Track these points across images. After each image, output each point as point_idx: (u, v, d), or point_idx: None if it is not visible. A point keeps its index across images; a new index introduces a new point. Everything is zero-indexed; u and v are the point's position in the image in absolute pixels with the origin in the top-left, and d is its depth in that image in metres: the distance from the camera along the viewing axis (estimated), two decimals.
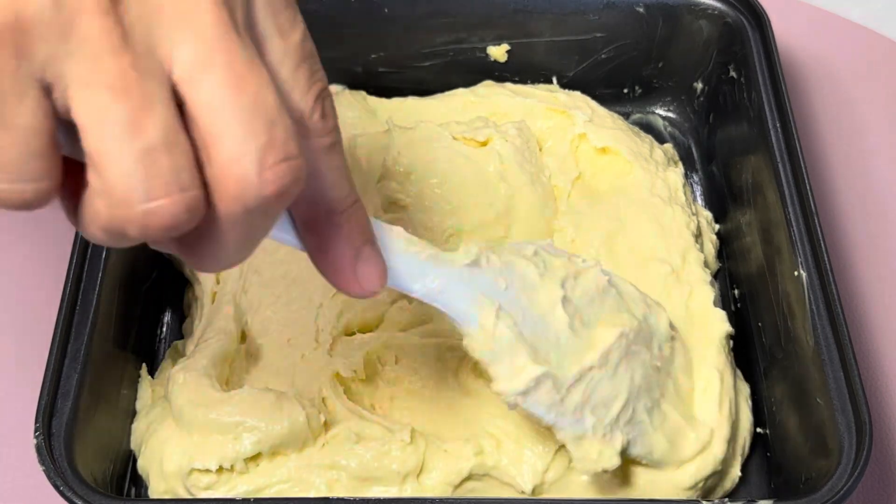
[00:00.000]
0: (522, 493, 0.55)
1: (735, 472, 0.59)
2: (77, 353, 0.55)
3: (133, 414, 0.61)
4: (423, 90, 0.77)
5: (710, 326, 0.62)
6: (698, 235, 0.68)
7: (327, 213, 0.41)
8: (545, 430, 0.55)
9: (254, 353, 0.62)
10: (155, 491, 0.57)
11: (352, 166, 0.68)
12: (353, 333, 0.63)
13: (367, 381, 0.60)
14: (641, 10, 0.74)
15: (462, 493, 0.56)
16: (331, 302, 0.63)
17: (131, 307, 0.63)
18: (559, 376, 0.51)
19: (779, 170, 0.63)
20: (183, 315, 0.66)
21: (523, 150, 0.70)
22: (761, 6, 0.71)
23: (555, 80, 0.78)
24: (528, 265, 0.52)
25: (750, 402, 0.62)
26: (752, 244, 0.66)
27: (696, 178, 0.76)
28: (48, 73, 0.33)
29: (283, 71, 0.38)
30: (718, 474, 0.58)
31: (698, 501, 0.56)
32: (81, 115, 0.33)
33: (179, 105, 0.34)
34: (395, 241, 0.46)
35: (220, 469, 0.55)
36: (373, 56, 0.76)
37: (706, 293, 0.63)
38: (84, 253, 0.59)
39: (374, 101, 0.76)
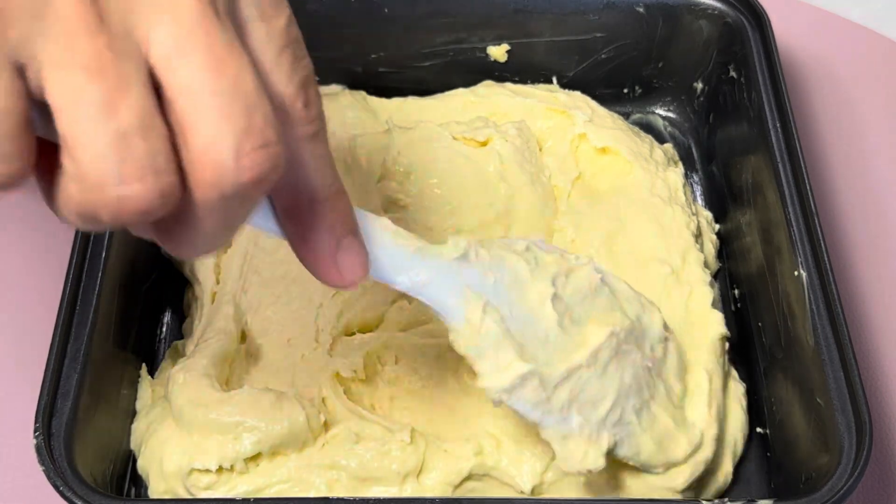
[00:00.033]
0: (522, 493, 0.55)
1: (727, 469, 0.59)
2: (77, 353, 0.55)
3: (133, 414, 0.61)
4: (423, 90, 0.77)
5: (706, 327, 0.62)
6: (698, 235, 0.68)
7: (309, 201, 0.41)
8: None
9: (254, 353, 0.62)
10: (155, 491, 0.57)
11: (352, 166, 0.69)
12: (353, 333, 0.63)
13: (367, 381, 0.60)
14: (641, 10, 0.74)
15: (462, 493, 0.56)
16: (331, 302, 0.63)
17: (131, 307, 0.63)
18: (546, 374, 0.50)
19: (779, 170, 0.63)
20: (183, 315, 0.66)
21: (523, 150, 0.70)
22: (761, 6, 0.71)
23: (555, 80, 0.78)
24: (519, 261, 0.51)
25: (744, 402, 0.62)
26: (752, 244, 0.66)
27: (696, 178, 0.76)
28: (22, 53, 0.32)
29: (265, 56, 0.37)
30: (709, 471, 0.58)
31: (698, 501, 0.56)
32: (55, 96, 0.32)
33: (157, 88, 0.34)
34: (381, 233, 0.46)
35: (220, 469, 0.55)
36: (373, 56, 0.76)
37: (705, 294, 0.64)
38: (84, 253, 0.58)
39: (374, 101, 0.76)
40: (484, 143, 0.70)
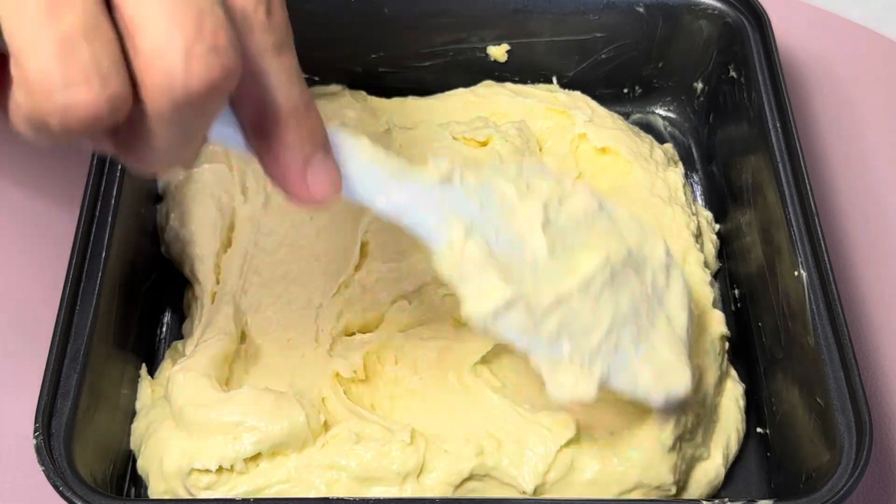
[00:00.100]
0: (524, 493, 0.55)
1: (717, 461, 0.59)
2: (77, 353, 0.55)
3: (133, 414, 0.61)
4: (423, 90, 0.77)
5: (706, 327, 0.62)
6: (698, 235, 0.68)
7: (275, 116, 0.40)
8: (547, 431, 0.55)
9: (253, 353, 0.62)
10: (155, 491, 0.57)
11: None
12: (353, 333, 0.63)
13: (367, 381, 0.60)
14: (641, 10, 0.74)
15: (462, 493, 0.56)
16: (331, 302, 0.63)
17: (131, 307, 0.63)
18: (534, 300, 0.48)
19: (779, 170, 0.63)
20: (183, 315, 0.66)
21: (523, 150, 0.70)
22: (761, 6, 0.71)
23: (555, 80, 0.78)
24: (508, 185, 0.50)
25: (742, 403, 0.62)
26: (752, 244, 0.66)
27: (696, 178, 0.76)
28: None
29: None
30: (697, 459, 0.58)
31: (698, 501, 0.56)
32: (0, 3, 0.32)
33: None
34: (357, 152, 0.44)
35: (220, 469, 0.55)
36: (373, 56, 0.76)
37: (705, 293, 0.64)
38: (84, 253, 0.59)
39: (374, 101, 0.76)
40: (484, 143, 0.70)
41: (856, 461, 0.52)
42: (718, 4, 0.72)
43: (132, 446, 0.60)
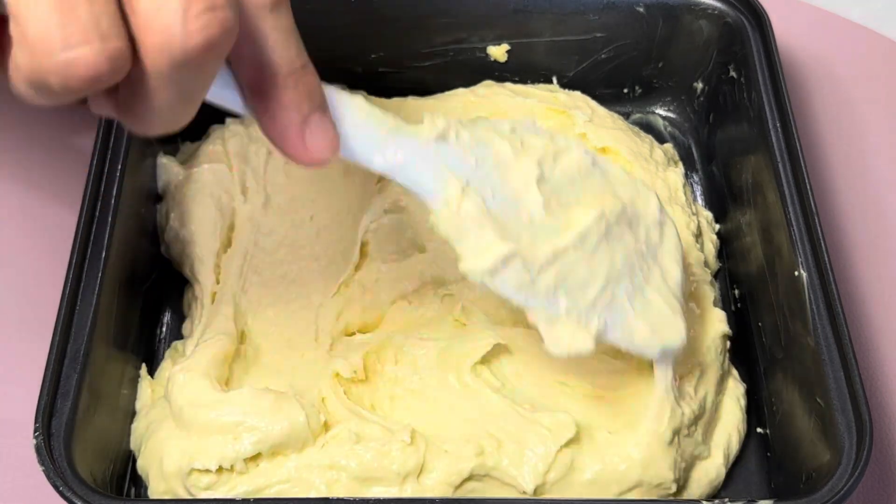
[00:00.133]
0: (524, 493, 0.55)
1: (718, 461, 0.59)
2: (77, 353, 0.55)
3: (133, 414, 0.61)
4: (423, 90, 0.77)
5: (707, 326, 0.62)
6: (698, 235, 0.68)
7: (272, 76, 0.40)
8: (547, 431, 0.55)
9: (253, 353, 0.62)
10: (155, 491, 0.57)
11: (351, 167, 0.68)
12: (353, 333, 0.63)
13: (367, 381, 0.60)
14: (641, 10, 0.74)
15: (462, 493, 0.56)
16: (331, 302, 0.63)
17: (131, 307, 0.63)
18: (530, 256, 0.49)
19: (779, 170, 0.63)
20: (183, 315, 0.66)
21: None
22: (761, 6, 0.71)
23: (555, 80, 0.78)
24: (503, 142, 0.50)
25: (743, 402, 0.62)
26: (752, 244, 0.66)
27: (696, 178, 0.76)
28: None
29: None
30: (697, 457, 0.58)
31: (698, 501, 0.56)
32: None
33: None
34: (354, 111, 0.45)
35: (220, 469, 0.55)
36: (373, 56, 0.76)
37: (706, 293, 0.64)
38: (84, 253, 0.59)
39: (374, 101, 0.76)
40: None
41: (856, 461, 0.52)
42: (718, 4, 0.72)
43: (132, 446, 0.60)
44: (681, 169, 0.73)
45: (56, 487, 0.51)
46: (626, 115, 0.78)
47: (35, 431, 0.52)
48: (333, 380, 0.59)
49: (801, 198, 0.61)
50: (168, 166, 0.68)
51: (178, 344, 0.64)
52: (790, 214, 0.61)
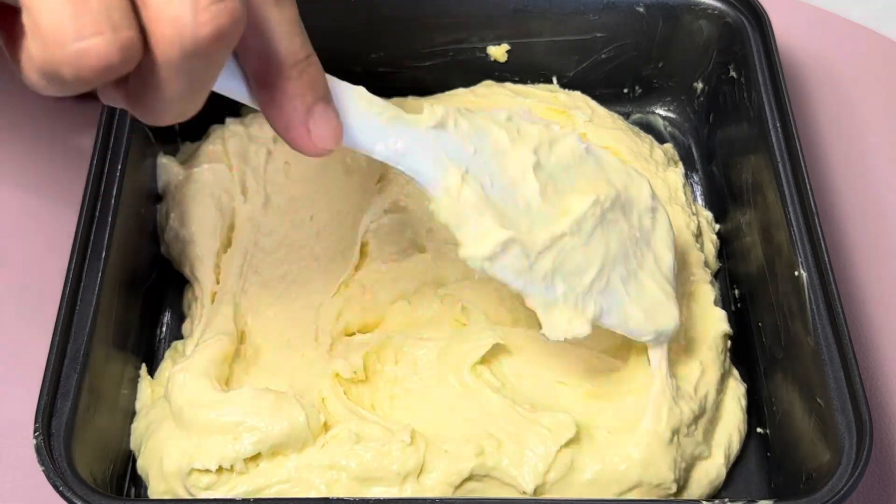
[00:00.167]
0: (524, 493, 0.55)
1: (718, 461, 0.59)
2: (76, 353, 0.55)
3: (133, 414, 0.61)
4: (423, 90, 0.77)
5: (708, 325, 0.62)
6: (698, 235, 0.68)
7: (278, 67, 0.41)
8: (546, 431, 0.55)
9: (253, 353, 0.62)
10: (155, 491, 0.57)
11: (352, 167, 0.69)
12: (353, 333, 0.63)
13: (367, 381, 0.60)
14: (641, 10, 0.74)
15: (462, 493, 0.56)
16: (331, 302, 0.63)
17: (131, 307, 0.63)
18: (528, 242, 0.50)
19: (779, 170, 0.63)
20: (183, 315, 0.66)
21: None
22: (761, 6, 0.71)
23: (555, 80, 0.78)
24: (500, 131, 0.51)
25: (744, 402, 0.62)
26: (752, 244, 0.66)
27: (696, 178, 0.76)
28: None
29: None
30: (699, 458, 0.58)
31: (698, 501, 0.56)
32: None
33: None
34: (356, 101, 0.46)
35: (220, 469, 0.55)
36: (373, 56, 0.76)
37: (706, 292, 0.64)
38: (84, 253, 0.58)
39: None
40: None
41: (856, 461, 0.52)
42: (718, 4, 0.72)
43: (132, 446, 0.60)
44: (681, 169, 0.73)
45: (56, 487, 0.51)
46: (626, 115, 0.78)
47: (35, 431, 0.52)
48: (333, 380, 0.59)
49: (801, 198, 0.61)
50: (168, 166, 0.68)
51: (178, 344, 0.64)
52: (790, 214, 0.61)
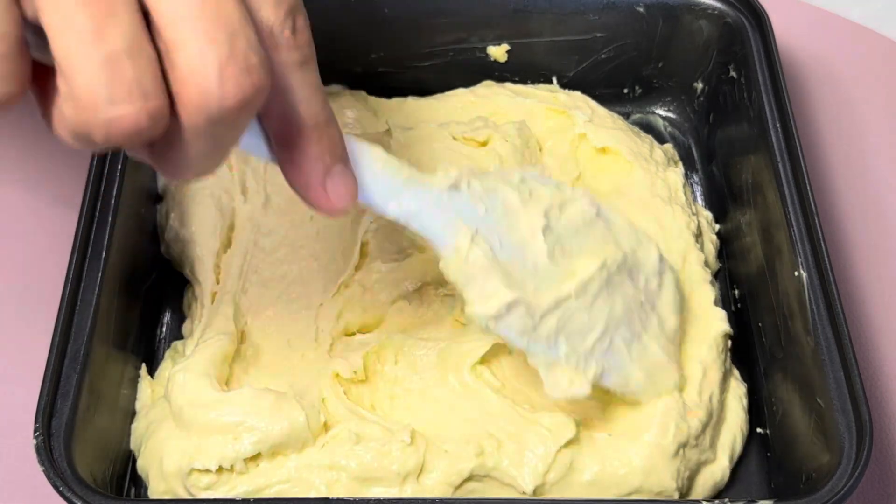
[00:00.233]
0: (524, 493, 0.55)
1: (723, 464, 0.59)
2: (77, 353, 0.55)
3: (133, 414, 0.61)
4: (423, 90, 0.77)
5: (708, 325, 0.62)
6: (698, 235, 0.68)
7: (299, 129, 0.42)
8: (546, 431, 0.55)
9: (253, 353, 0.62)
10: (155, 491, 0.57)
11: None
12: (353, 334, 0.63)
13: (367, 381, 0.60)
14: (641, 10, 0.74)
15: (462, 493, 0.56)
16: (331, 302, 0.63)
17: (131, 307, 0.63)
18: (534, 303, 0.51)
19: (779, 170, 0.63)
20: (183, 315, 0.66)
21: (523, 151, 0.70)
22: (761, 6, 0.71)
23: (555, 80, 0.78)
24: (512, 192, 0.52)
25: (745, 402, 0.62)
26: (752, 244, 0.66)
27: (696, 178, 0.76)
28: None
29: None
30: (704, 463, 0.58)
31: (698, 502, 0.56)
32: (48, 22, 0.34)
33: (146, 14, 0.35)
34: (371, 161, 0.47)
35: (220, 469, 0.55)
36: (373, 56, 0.76)
37: (707, 292, 0.64)
38: (84, 253, 0.58)
39: (374, 101, 0.76)
40: (484, 143, 0.70)
41: (856, 461, 0.52)
42: (718, 4, 0.72)
43: (132, 446, 0.60)
44: (681, 169, 0.73)
45: (56, 487, 0.51)
46: (626, 115, 0.78)
47: (35, 431, 0.52)
48: (333, 380, 0.59)
49: (801, 198, 0.61)
50: None
51: (178, 344, 0.64)
52: (790, 214, 0.61)
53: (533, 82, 0.78)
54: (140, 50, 0.35)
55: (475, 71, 0.77)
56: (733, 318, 0.65)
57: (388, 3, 0.74)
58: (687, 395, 0.58)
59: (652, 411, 0.57)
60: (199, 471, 0.55)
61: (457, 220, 0.50)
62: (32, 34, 0.36)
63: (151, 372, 0.63)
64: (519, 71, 0.77)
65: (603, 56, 0.76)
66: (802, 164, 0.62)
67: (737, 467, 0.61)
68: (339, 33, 0.74)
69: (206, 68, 0.35)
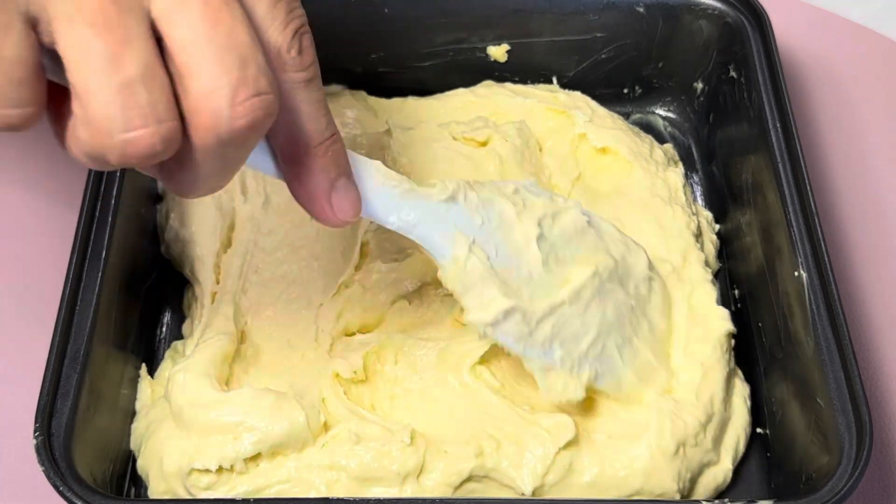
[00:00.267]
0: (522, 494, 0.55)
1: (726, 465, 0.59)
2: (77, 353, 0.55)
3: (133, 414, 0.61)
4: (423, 90, 0.77)
5: (711, 324, 0.62)
6: (698, 235, 0.68)
7: (305, 146, 0.43)
8: (546, 433, 0.55)
9: (253, 353, 0.62)
10: (155, 491, 0.57)
11: None
12: (353, 334, 0.63)
13: (367, 381, 0.60)
14: (641, 10, 0.74)
15: (462, 494, 0.56)
16: (331, 302, 0.63)
17: (131, 307, 0.63)
18: (529, 310, 0.53)
19: (779, 170, 0.63)
20: (183, 315, 0.66)
21: (523, 150, 0.70)
22: (761, 6, 0.71)
23: (555, 80, 0.78)
24: (507, 203, 0.54)
25: (749, 403, 0.62)
26: (752, 244, 0.66)
27: (696, 178, 0.76)
28: (33, 7, 0.35)
29: (259, 7, 0.40)
30: (708, 464, 0.58)
31: (698, 502, 0.56)
32: (65, 50, 0.35)
33: (159, 40, 0.36)
34: (373, 175, 0.48)
35: (220, 469, 0.55)
36: (373, 56, 0.76)
37: (709, 291, 0.63)
38: (84, 253, 0.58)
39: (374, 101, 0.76)
40: (484, 143, 0.70)
41: (856, 461, 0.52)
42: (718, 4, 0.72)
43: (132, 446, 0.60)
44: (681, 169, 0.73)
45: (56, 487, 0.51)
46: (626, 115, 0.78)
47: (35, 431, 0.52)
48: (333, 380, 0.59)
49: (801, 198, 0.61)
50: None
51: (178, 344, 0.64)
52: (790, 214, 0.61)
53: (533, 82, 0.78)
54: (154, 76, 0.36)
55: (475, 71, 0.77)
56: (733, 319, 0.65)
57: (388, 3, 0.74)
58: (683, 395, 0.58)
59: (646, 413, 0.57)
60: (199, 471, 0.55)
61: (454, 231, 0.51)
62: (48, 59, 0.37)
63: (151, 372, 0.63)
64: (519, 71, 0.77)
65: (603, 56, 0.76)
66: (802, 164, 0.62)
67: (737, 467, 0.61)
68: (339, 33, 0.74)
69: (219, 93, 0.36)
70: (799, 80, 0.83)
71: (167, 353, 0.64)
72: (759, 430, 0.62)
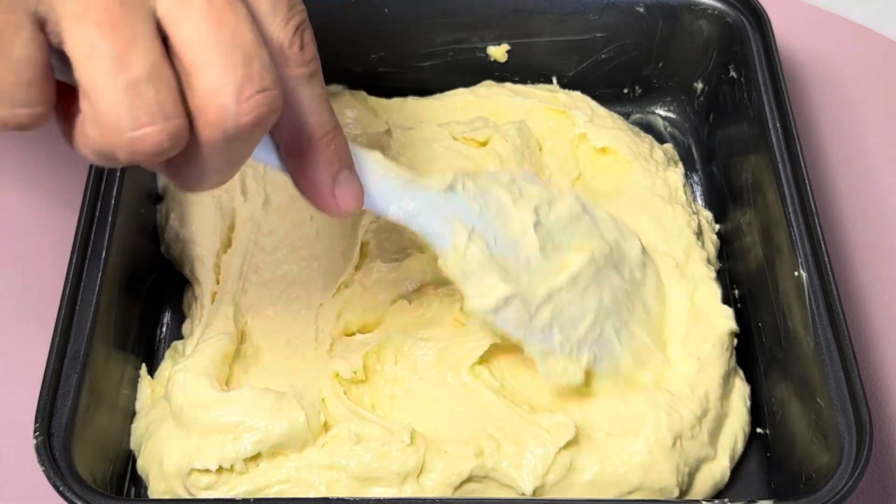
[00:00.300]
0: (523, 494, 0.55)
1: (723, 463, 0.59)
2: (77, 353, 0.55)
3: (133, 414, 0.61)
4: (423, 90, 0.77)
5: (713, 322, 0.62)
6: (699, 234, 0.68)
7: (308, 139, 0.44)
8: (546, 432, 0.55)
9: (253, 353, 0.62)
10: (155, 491, 0.57)
11: None
12: (353, 333, 0.63)
13: (367, 381, 0.60)
14: (641, 10, 0.74)
15: (462, 494, 0.56)
16: (331, 302, 0.63)
17: (131, 307, 0.63)
18: (528, 296, 0.54)
19: (779, 170, 0.63)
20: (183, 315, 0.66)
21: (523, 150, 0.70)
22: (761, 6, 0.71)
23: (555, 80, 0.78)
24: (504, 192, 0.55)
25: (748, 403, 0.62)
26: (752, 244, 0.66)
27: (696, 178, 0.76)
28: (41, 8, 0.36)
29: (261, 5, 0.41)
30: (704, 460, 0.58)
31: (699, 502, 0.56)
32: (72, 50, 0.36)
33: (165, 39, 0.37)
34: (374, 167, 0.49)
35: (220, 469, 0.55)
36: (373, 56, 0.76)
37: (712, 289, 0.63)
38: (84, 253, 0.59)
39: (374, 101, 0.76)
40: (484, 143, 0.70)
41: (856, 461, 0.52)
42: (718, 4, 0.72)
43: (132, 446, 0.60)
44: (681, 169, 0.73)
45: (56, 487, 0.51)
46: (626, 115, 0.78)
47: (35, 431, 0.52)
48: (333, 380, 0.59)
49: (801, 198, 0.61)
50: None
51: (178, 344, 0.64)
52: (790, 214, 0.61)
53: (533, 82, 0.78)
54: (160, 75, 0.36)
55: (475, 71, 0.77)
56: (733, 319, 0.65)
57: (388, 3, 0.74)
58: (678, 388, 0.58)
59: (643, 407, 0.57)
60: (199, 471, 0.55)
61: (454, 220, 0.52)
62: (56, 58, 0.37)
63: (151, 372, 0.63)
64: (519, 71, 0.77)
65: (603, 56, 0.76)
66: (802, 164, 0.62)
67: (737, 467, 0.61)
68: (339, 33, 0.74)
69: (225, 90, 0.37)
70: (799, 80, 0.83)
71: (167, 353, 0.64)
72: (759, 429, 0.62)
